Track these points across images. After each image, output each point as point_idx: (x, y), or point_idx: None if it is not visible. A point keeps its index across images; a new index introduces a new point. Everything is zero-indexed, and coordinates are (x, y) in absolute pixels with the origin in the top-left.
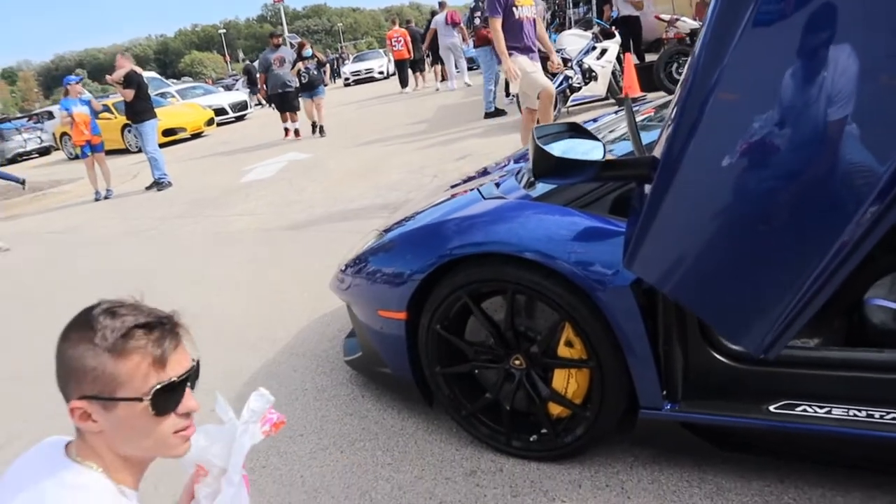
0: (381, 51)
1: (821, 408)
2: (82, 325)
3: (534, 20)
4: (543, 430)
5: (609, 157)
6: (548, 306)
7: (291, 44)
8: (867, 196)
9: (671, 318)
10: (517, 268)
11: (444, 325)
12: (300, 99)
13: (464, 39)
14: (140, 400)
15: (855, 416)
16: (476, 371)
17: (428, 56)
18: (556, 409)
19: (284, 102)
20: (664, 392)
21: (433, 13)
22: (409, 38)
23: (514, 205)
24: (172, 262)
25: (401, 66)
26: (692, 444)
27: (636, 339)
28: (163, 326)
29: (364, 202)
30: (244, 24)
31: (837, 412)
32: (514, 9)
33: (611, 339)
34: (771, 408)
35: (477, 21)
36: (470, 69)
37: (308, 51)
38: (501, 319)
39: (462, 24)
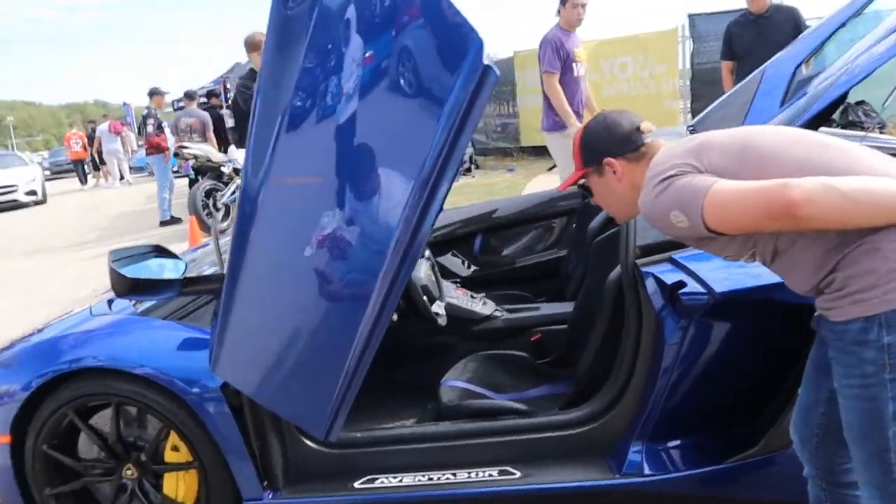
0: (18, 154)
1: (394, 478)
2: None
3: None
4: None
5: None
6: (151, 415)
7: None
8: (371, 290)
9: (262, 414)
10: (119, 380)
11: (53, 444)
12: None
13: (123, 145)
14: None
15: (419, 481)
16: (90, 487)
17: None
18: None
19: None
20: (265, 483)
21: (92, 122)
22: (86, 140)
23: (120, 321)
24: None
25: (79, 165)
26: None
27: (231, 438)
28: None
29: (9, 318)
30: None
31: (407, 480)
32: (573, 64)
33: (210, 440)
34: (356, 484)
35: (150, 129)
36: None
37: None
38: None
39: (123, 134)
